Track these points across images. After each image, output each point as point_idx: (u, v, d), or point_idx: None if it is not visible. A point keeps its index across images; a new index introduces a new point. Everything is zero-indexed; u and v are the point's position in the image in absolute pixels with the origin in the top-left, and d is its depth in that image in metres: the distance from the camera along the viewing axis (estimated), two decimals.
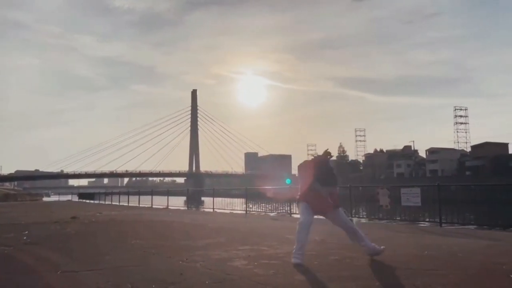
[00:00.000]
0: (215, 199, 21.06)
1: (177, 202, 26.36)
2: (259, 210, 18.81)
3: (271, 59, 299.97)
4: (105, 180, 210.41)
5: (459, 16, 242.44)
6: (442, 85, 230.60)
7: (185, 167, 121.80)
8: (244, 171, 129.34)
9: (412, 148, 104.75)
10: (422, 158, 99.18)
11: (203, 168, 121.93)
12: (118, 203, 33.06)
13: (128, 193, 34.81)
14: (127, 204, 30.15)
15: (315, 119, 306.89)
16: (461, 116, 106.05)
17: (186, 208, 24.70)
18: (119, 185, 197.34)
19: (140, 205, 27.74)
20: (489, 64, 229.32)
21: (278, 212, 17.00)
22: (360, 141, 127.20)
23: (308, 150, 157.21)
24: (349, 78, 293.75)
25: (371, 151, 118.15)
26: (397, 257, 5.27)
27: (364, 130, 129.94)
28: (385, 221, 12.69)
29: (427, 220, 11.95)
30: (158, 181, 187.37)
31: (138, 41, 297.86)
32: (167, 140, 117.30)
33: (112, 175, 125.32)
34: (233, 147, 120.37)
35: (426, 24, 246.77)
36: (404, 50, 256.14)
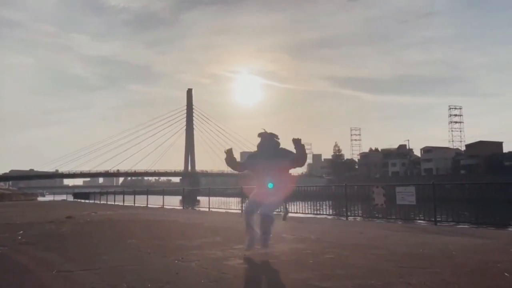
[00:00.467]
0: (211, 198, 21.04)
1: (173, 202, 26.30)
2: None
3: (267, 58, 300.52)
4: (100, 180, 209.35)
5: (453, 15, 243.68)
6: (436, 85, 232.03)
7: (180, 167, 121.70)
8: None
9: (407, 147, 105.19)
10: (417, 157, 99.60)
11: (199, 167, 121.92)
12: (113, 203, 32.97)
13: (123, 193, 34.70)
14: (122, 204, 30.06)
15: (310, 118, 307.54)
16: (455, 115, 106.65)
17: (181, 207, 24.66)
18: (114, 184, 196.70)
19: (136, 205, 27.66)
20: (483, 63, 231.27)
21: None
22: (355, 140, 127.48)
23: None
24: (344, 78, 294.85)
25: (367, 150, 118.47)
26: (392, 256, 5.29)
27: (360, 129, 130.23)
28: (380, 220, 12.73)
29: (422, 218, 12.00)
30: (154, 180, 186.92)
31: (133, 40, 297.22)
32: (162, 140, 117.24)
33: (107, 174, 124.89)
34: (228, 146, 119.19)
35: (420, 24, 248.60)
36: (399, 50, 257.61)
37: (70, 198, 58.85)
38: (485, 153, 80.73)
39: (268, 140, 5.49)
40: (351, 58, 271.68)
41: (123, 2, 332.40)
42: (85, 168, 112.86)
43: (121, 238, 7.56)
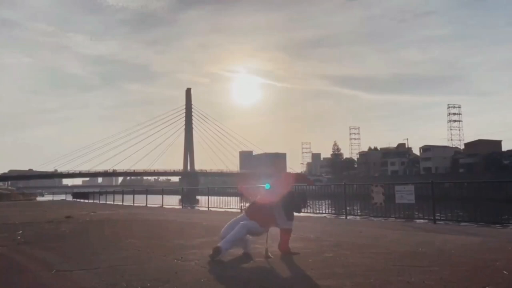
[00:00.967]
0: (210, 197, 21.05)
1: (172, 201, 26.30)
2: None
3: (265, 57, 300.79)
4: (100, 180, 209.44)
5: (451, 14, 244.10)
6: (434, 83, 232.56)
7: (179, 166, 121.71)
8: (239, 170, 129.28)
9: (406, 146, 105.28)
10: (416, 156, 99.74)
11: (198, 167, 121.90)
12: (112, 203, 32.96)
13: (122, 192, 34.70)
14: (121, 204, 30.04)
15: (309, 117, 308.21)
16: (454, 113, 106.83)
17: (181, 207, 24.65)
18: (114, 184, 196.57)
19: (135, 204, 27.64)
20: (481, 62, 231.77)
21: None
22: (354, 139, 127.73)
23: (302, 148, 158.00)
24: (342, 77, 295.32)
25: (366, 149, 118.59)
26: (391, 254, 5.30)
27: (359, 128, 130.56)
28: (380, 218, 12.74)
29: (421, 217, 12.02)
30: (153, 180, 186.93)
31: (131, 39, 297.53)
32: (161, 139, 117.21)
33: (106, 174, 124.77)
34: (227, 145, 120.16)
35: (418, 23, 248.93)
36: (397, 49, 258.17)
37: (69, 198, 58.85)
38: (484, 151, 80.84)
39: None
40: (349, 57, 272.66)
41: (121, 1, 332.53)
42: (84, 168, 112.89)
43: (120, 237, 7.56)
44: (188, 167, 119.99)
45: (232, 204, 19.63)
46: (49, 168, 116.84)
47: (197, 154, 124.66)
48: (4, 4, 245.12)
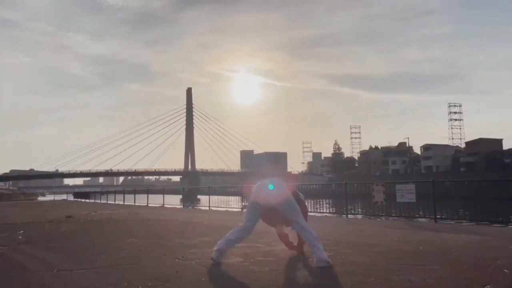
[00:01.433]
0: (211, 197, 21.07)
1: (173, 201, 26.33)
2: None
3: (265, 57, 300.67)
4: (101, 179, 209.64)
5: (451, 13, 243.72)
6: (435, 82, 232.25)
7: (180, 166, 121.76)
8: (240, 169, 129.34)
9: (407, 145, 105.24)
10: (417, 155, 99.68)
11: (199, 166, 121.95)
12: (113, 202, 32.99)
13: (123, 192, 34.72)
14: (122, 203, 30.06)
15: (309, 117, 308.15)
16: (455, 112, 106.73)
17: (182, 206, 24.68)
18: (115, 184, 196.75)
19: (136, 204, 27.67)
20: (481, 61, 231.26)
21: None
22: (355, 138, 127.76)
23: (303, 147, 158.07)
24: (342, 76, 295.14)
25: (366, 148, 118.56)
26: (391, 253, 5.30)
27: (359, 127, 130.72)
28: (380, 217, 12.73)
29: (422, 216, 12.01)
30: (154, 179, 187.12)
31: (131, 39, 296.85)
32: (162, 139, 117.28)
33: (107, 174, 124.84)
34: (228, 145, 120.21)
35: (419, 22, 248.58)
36: (397, 48, 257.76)
37: (71, 197, 58.90)
38: (485, 150, 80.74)
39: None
40: (349, 56, 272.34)
41: (121, 1, 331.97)
42: (85, 168, 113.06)
43: (121, 237, 7.57)
44: (189, 167, 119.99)
45: (233, 204, 19.63)
46: (50, 168, 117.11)
47: (198, 153, 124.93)
48: (4, 4, 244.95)
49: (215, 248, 4.77)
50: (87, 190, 73.74)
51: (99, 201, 38.25)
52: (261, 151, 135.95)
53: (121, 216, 14.15)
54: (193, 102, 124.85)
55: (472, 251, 5.40)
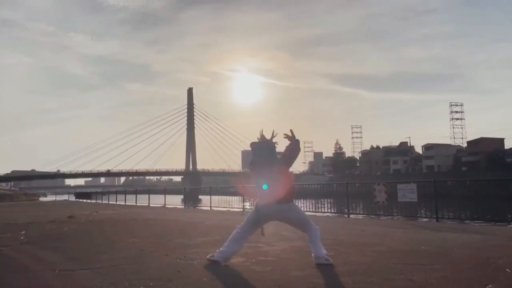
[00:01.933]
0: (212, 197, 21.06)
1: (174, 201, 26.31)
2: None
3: (265, 56, 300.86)
4: (102, 180, 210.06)
5: (452, 12, 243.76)
6: (436, 81, 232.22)
7: (182, 166, 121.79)
8: (241, 169, 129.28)
9: (408, 144, 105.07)
10: (418, 154, 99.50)
11: (200, 166, 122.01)
12: (115, 202, 33.01)
13: (125, 192, 34.73)
14: (124, 203, 30.09)
15: (310, 116, 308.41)
16: (456, 111, 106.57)
17: (183, 206, 24.67)
18: (116, 184, 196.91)
19: (137, 204, 27.68)
20: (482, 60, 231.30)
21: None
22: (356, 137, 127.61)
23: (304, 147, 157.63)
24: (343, 75, 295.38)
25: (368, 148, 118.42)
26: (393, 253, 5.30)
27: (361, 127, 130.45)
28: (382, 217, 12.73)
29: (424, 215, 12.00)
30: (155, 180, 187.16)
31: (132, 39, 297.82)
32: (163, 139, 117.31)
33: (108, 174, 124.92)
34: (229, 145, 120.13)
35: (420, 21, 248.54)
36: (398, 47, 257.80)
37: (72, 198, 58.93)
38: (486, 149, 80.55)
39: (262, 148, 4.82)
40: (350, 55, 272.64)
41: (121, 1, 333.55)
42: (87, 168, 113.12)
43: (123, 237, 7.57)
44: (190, 167, 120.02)
45: (234, 204, 19.63)
46: (51, 168, 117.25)
47: (199, 153, 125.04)
48: (4, 4, 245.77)
49: (213, 259, 4.69)
50: (88, 190, 73.74)
51: (100, 202, 38.27)
52: None
53: (123, 216, 14.16)
54: (194, 102, 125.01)
55: (473, 251, 5.39)
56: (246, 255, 5.21)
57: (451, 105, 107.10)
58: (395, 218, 12.03)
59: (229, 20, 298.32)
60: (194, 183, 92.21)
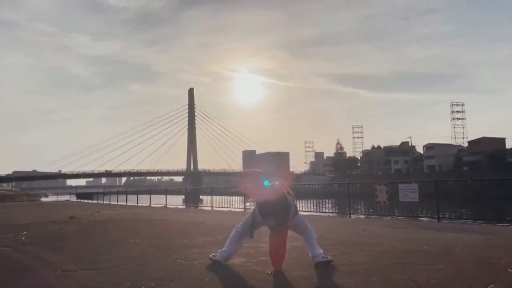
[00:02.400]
0: (214, 197, 21.06)
1: (176, 201, 26.36)
2: None
3: (266, 56, 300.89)
4: (103, 180, 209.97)
5: (453, 12, 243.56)
6: (437, 81, 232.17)
7: (183, 166, 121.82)
8: (242, 169, 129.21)
9: (409, 144, 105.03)
10: (420, 154, 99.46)
11: (201, 166, 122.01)
12: (116, 203, 33.03)
13: (126, 193, 34.76)
14: (125, 204, 30.10)
15: (311, 116, 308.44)
16: (458, 111, 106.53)
17: (184, 206, 24.69)
18: (117, 184, 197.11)
19: (139, 204, 27.69)
20: (483, 59, 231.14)
21: None
22: (357, 137, 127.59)
23: (305, 147, 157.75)
24: (344, 75, 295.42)
25: (369, 148, 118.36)
26: (394, 253, 5.29)
27: (362, 127, 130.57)
28: (383, 217, 12.72)
29: (425, 215, 11.99)
30: (156, 180, 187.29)
31: (132, 39, 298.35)
32: (164, 139, 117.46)
33: (110, 174, 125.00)
34: (230, 145, 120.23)
35: (421, 21, 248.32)
36: (399, 46, 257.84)
37: (73, 198, 58.98)
38: (487, 149, 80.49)
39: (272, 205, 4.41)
40: (351, 55, 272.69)
41: (122, 1, 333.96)
42: (88, 168, 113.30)
43: (124, 237, 7.57)
44: (192, 167, 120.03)
45: (235, 204, 19.62)
46: (53, 169, 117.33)
47: (200, 153, 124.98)
48: (5, 4, 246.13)
49: (215, 258, 4.70)
50: (89, 191, 73.74)
51: (102, 202, 38.31)
52: (263, 151, 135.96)
53: (124, 216, 14.16)
54: (195, 102, 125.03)
55: (475, 251, 5.39)
56: (247, 255, 5.21)
57: (452, 105, 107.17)
58: (396, 218, 12.02)
59: (229, 20, 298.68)
60: (195, 183, 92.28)
